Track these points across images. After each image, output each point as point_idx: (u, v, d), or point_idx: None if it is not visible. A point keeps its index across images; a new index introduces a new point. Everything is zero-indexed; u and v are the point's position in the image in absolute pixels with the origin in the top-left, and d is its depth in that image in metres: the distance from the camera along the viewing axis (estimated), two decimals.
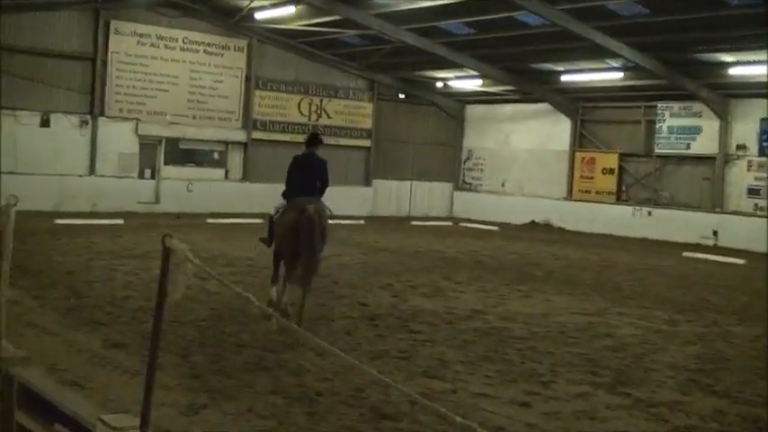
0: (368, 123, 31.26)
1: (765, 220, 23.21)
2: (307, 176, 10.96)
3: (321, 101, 30.01)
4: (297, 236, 9.93)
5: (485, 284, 14.34)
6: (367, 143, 31.34)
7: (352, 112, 30.82)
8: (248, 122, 28.26)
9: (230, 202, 27.18)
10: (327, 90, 30.14)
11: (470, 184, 33.87)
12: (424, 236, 24.12)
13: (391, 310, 11.26)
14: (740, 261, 20.87)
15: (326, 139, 29.34)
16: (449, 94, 33.10)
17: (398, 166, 32.40)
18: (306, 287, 9.92)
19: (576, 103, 30.17)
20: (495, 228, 28.59)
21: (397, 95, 32.42)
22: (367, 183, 31.53)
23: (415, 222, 29.28)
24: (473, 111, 33.95)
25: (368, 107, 31.25)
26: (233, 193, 27.70)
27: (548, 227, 29.62)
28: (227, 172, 28.23)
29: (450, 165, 34.10)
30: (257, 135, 28.48)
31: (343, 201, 29.69)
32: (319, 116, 29.93)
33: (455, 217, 32.43)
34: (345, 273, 14.83)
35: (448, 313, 11.21)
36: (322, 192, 10.98)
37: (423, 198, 32.99)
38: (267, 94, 28.71)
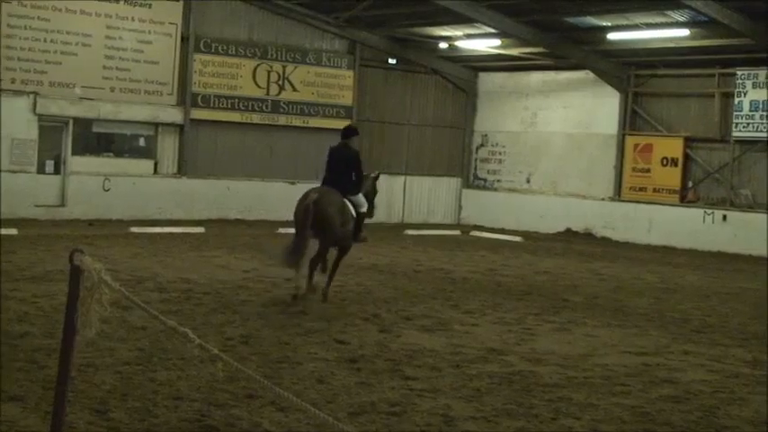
0: (347, 98, 31.36)
1: None
2: (332, 169, 14.83)
3: (284, 68, 30.09)
4: (298, 224, 14.14)
5: (505, 314, 14.37)
6: (346, 124, 31.34)
7: (326, 82, 30.92)
8: (185, 97, 28.32)
9: (162, 205, 27.21)
10: (293, 53, 30.23)
11: (485, 179, 33.99)
12: (423, 249, 24.16)
13: (379, 349, 11.29)
14: None
15: (292, 120, 30.34)
16: (456, 58, 33.20)
17: (388, 155, 32.47)
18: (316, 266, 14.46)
19: (626, 70, 30.33)
20: (519, 238, 28.67)
21: (387, 61, 32.51)
22: None
23: (410, 231, 29.33)
24: (489, 81, 34.09)
25: (347, 76, 31.35)
26: (165, 192, 27.73)
27: (589, 237, 29.76)
28: (156, 164, 28.25)
29: (457, 154, 34.22)
30: (198, 114, 28.54)
31: None
32: (282, 88, 30.03)
33: (464, 224, 32.51)
34: (317, 299, 14.82)
35: (455, 353, 11.25)
36: (358, 186, 14.94)
37: (421, 199, 33.09)
38: (211, 58, 28.78)
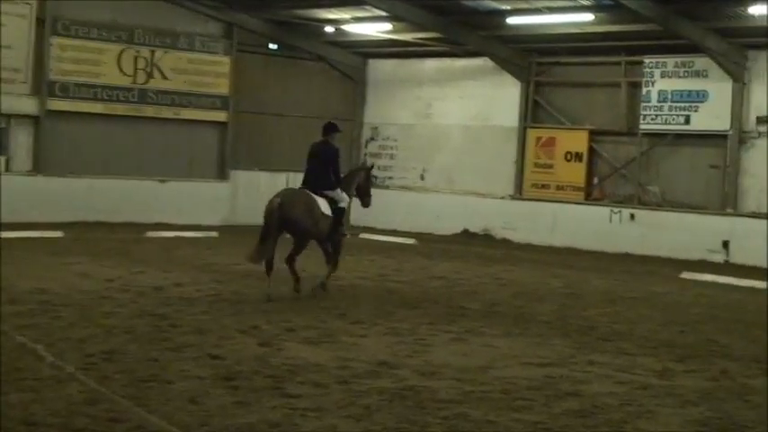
0: (223, 87, 31.15)
1: None
2: (310, 166, 16.87)
3: (153, 53, 29.76)
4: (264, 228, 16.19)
5: (396, 324, 14.37)
6: (222, 116, 31.22)
7: (200, 70, 30.67)
8: (42, 86, 27.86)
9: (14, 207, 26.59)
10: (163, 37, 29.92)
11: (375, 177, 33.96)
12: (306, 253, 23.98)
13: (258, 364, 11.21)
14: (762, 284, 21.55)
15: (161, 111, 30.02)
16: (344, 43, 33.20)
17: (269, 150, 32.35)
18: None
19: (527, 57, 30.67)
20: (412, 240, 28.78)
21: (268, 46, 32.37)
22: (222, 175, 31.41)
23: None
24: (379, 69, 34.19)
25: (224, 63, 31.14)
26: (18, 192, 27.09)
27: (488, 238, 29.99)
28: (8, 161, 27.69)
29: (345, 148, 34.11)
30: (56, 105, 28.09)
31: (187, 202, 29.55)
32: (150, 76, 29.70)
33: (353, 225, 32.43)
34: (190, 310, 14.68)
35: (342, 368, 11.22)
36: (336, 182, 16.84)
37: None
38: (71, 43, 28.33)
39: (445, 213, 31.24)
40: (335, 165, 17.01)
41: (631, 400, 10.41)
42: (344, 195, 17.15)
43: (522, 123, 30.81)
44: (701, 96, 27.26)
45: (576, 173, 29.60)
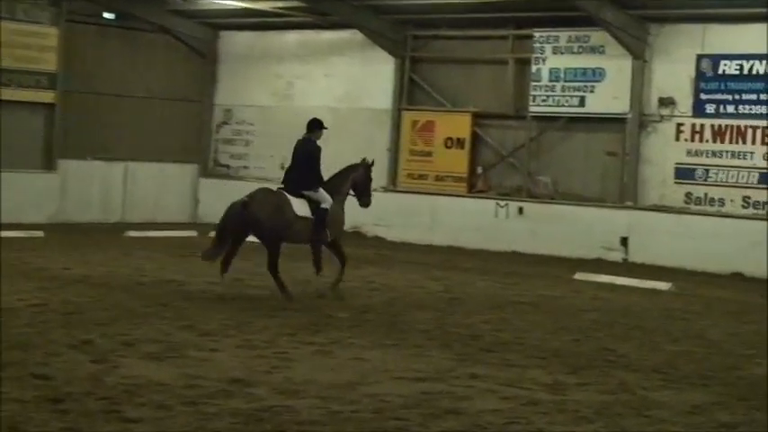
0: (50, 63, 30.70)
1: (702, 219, 24.72)
2: (294, 164, 18.40)
3: None
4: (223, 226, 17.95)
5: (253, 336, 14.37)
6: (49, 97, 30.77)
7: (22, 42, 30.19)
8: None
9: None
10: None
11: (228, 166, 33.92)
12: (148, 255, 23.88)
13: (91, 384, 11.09)
14: (664, 285, 22.05)
15: None
16: (191, 13, 33.00)
17: (105, 136, 32.00)
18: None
19: (403, 30, 30.78)
20: None
21: (102, 16, 32.00)
22: (48, 165, 30.95)
23: (133, 233, 28.92)
24: (233, 42, 34.09)
25: (50, 35, 30.70)
26: None
27: (358, 236, 30.04)
28: None
29: (193, 134, 34.00)
30: None
31: (6, 197, 29.04)
32: None
33: (203, 222, 32.25)
34: (10, 323, 14.43)
35: (189, 387, 11.16)
36: (316, 181, 17.94)
37: (146, 191, 32.74)
38: None
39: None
40: (315, 163, 18.08)
41: (518, 417, 10.54)
42: (326, 195, 18.13)
43: (396, 105, 30.90)
44: (597, 75, 27.66)
45: (458, 161, 29.79)
